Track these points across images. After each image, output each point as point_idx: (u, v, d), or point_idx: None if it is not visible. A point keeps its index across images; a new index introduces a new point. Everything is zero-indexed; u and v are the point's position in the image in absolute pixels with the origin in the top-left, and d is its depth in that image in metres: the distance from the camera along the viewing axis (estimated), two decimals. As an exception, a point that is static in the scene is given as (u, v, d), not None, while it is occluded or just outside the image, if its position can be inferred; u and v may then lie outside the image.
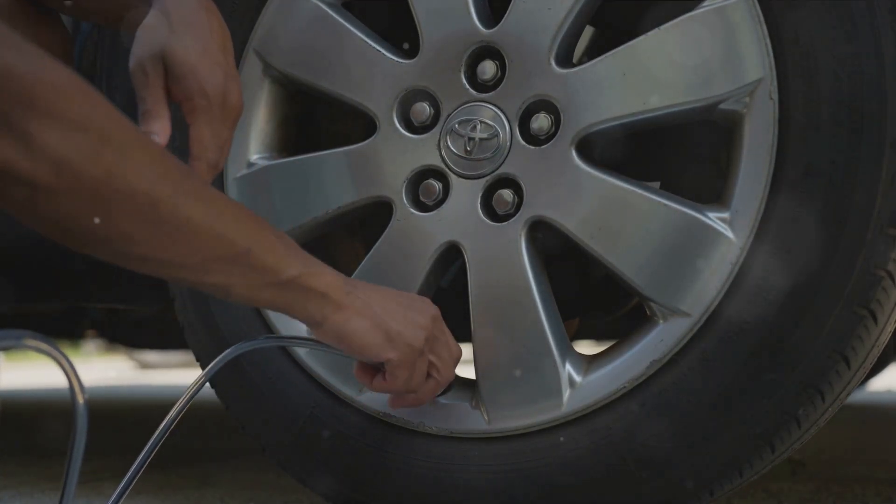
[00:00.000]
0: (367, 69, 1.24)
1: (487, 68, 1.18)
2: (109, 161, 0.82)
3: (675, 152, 1.32)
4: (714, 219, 1.09)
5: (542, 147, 1.16)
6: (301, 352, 1.28)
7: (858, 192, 1.03)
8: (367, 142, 1.25)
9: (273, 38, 1.29)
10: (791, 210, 1.05)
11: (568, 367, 1.16)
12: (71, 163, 0.80)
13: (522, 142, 1.17)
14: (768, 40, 1.07)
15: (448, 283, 1.31)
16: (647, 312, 1.14)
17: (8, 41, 0.77)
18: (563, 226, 1.14)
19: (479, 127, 1.18)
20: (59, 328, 2.98)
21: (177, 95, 1.07)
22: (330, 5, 1.27)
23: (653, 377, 1.12)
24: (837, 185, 1.04)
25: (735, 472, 1.11)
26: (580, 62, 1.17)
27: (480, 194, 1.19)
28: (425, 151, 1.21)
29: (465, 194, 1.20)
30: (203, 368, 1.28)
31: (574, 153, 1.15)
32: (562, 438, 1.15)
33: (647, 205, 1.12)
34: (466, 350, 1.22)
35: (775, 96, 1.07)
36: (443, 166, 1.21)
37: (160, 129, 1.05)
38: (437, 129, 1.21)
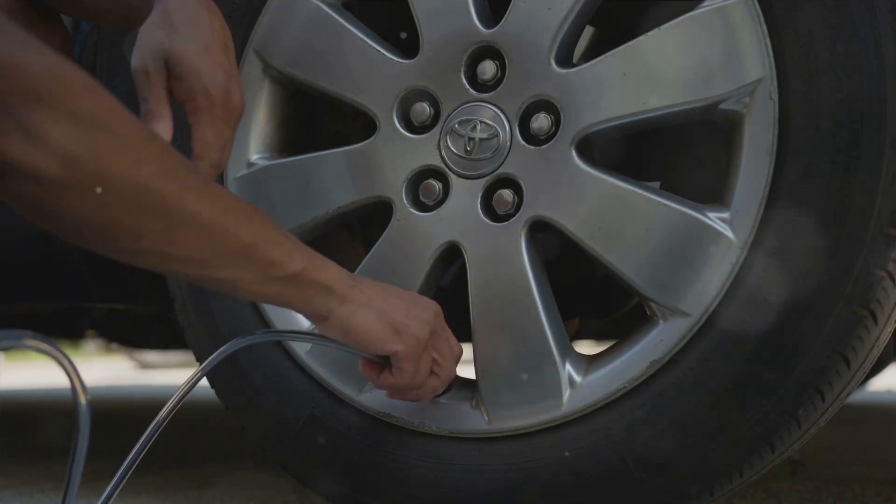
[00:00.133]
0: (367, 69, 1.24)
1: (487, 68, 1.18)
2: (117, 156, 0.83)
3: (675, 152, 1.32)
4: (714, 219, 1.09)
5: (542, 147, 1.16)
6: (301, 352, 1.28)
7: (858, 192, 1.03)
8: (367, 142, 1.25)
9: (273, 38, 1.29)
10: (791, 210, 1.05)
11: (568, 367, 1.16)
12: (79, 158, 0.80)
13: (522, 142, 1.17)
14: (768, 40, 1.07)
15: (448, 283, 1.31)
16: (647, 312, 1.14)
17: (15, 37, 0.77)
18: (564, 226, 1.15)
19: (479, 127, 1.18)
20: (59, 328, 2.98)
21: (179, 95, 1.07)
22: (330, 5, 1.27)
23: (653, 377, 1.12)
24: (837, 185, 1.04)
25: (735, 472, 1.11)
26: (580, 62, 1.17)
27: (480, 194, 1.19)
28: (425, 151, 1.22)
29: (465, 194, 1.20)
30: (203, 368, 1.28)
31: (574, 153, 1.15)
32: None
33: (647, 205, 1.12)
34: (466, 350, 1.22)
35: (775, 96, 1.07)
36: (443, 166, 1.21)
37: (163, 129, 1.05)
38: (437, 129, 1.21)
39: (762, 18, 1.07)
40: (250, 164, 1.32)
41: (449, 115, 1.20)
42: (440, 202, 1.21)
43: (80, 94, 0.80)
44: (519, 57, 1.17)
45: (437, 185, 1.21)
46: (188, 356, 5.24)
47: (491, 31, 1.18)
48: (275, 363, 1.29)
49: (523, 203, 1.17)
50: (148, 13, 1.09)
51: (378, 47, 1.24)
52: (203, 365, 1.07)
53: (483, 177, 1.19)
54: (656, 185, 1.28)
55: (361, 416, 1.25)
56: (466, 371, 1.24)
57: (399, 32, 1.32)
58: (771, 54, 1.07)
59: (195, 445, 2.38)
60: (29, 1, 1.16)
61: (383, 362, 1.12)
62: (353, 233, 1.45)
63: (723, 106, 1.09)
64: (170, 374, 6.15)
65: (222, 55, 1.08)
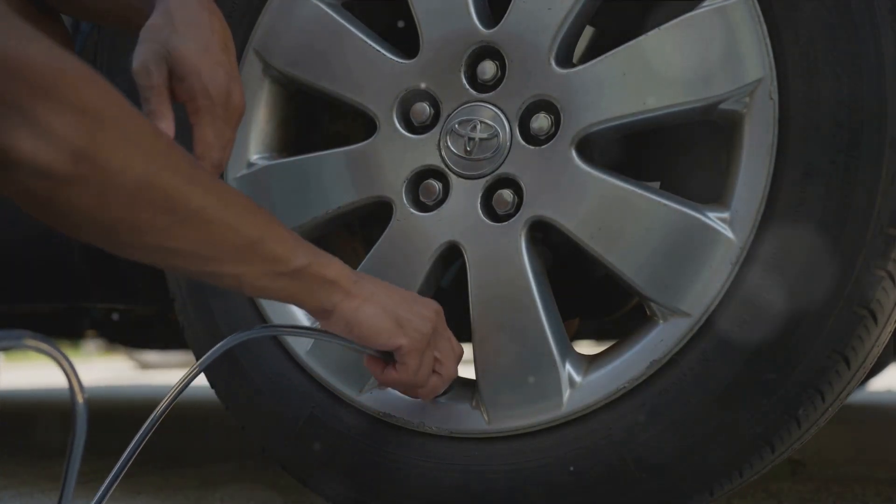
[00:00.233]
0: (367, 69, 1.24)
1: (487, 68, 1.18)
2: (125, 151, 0.83)
3: (675, 152, 1.32)
4: (714, 219, 1.09)
5: (542, 147, 1.16)
6: (301, 352, 1.28)
7: (858, 192, 1.03)
8: (367, 142, 1.25)
9: (273, 38, 1.29)
10: (791, 210, 1.05)
11: (568, 367, 1.16)
12: (87, 152, 0.80)
13: (522, 142, 1.17)
14: (768, 40, 1.07)
15: (448, 283, 1.31)
16: (647, 312, 1.14)
17: (24, 32, 0.78)
18: (564, 226, 1.15)
19: (479, 127, 1.18)
20: (59, 328, 2.98)
21: (180, 96, 1.08)
22: (330, 5, 1.27)
23: (653, 377, 1.12)
24: (837, 185, 1.04)
25: (735, 472, 1.11)
26: (580, 62, 1.17)
27: (480, 194, 1.19)
28: (425, 151, 1.22)
29: (465, 194, 1.20)
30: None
31: (574, 153, 1.15)
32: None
33: (647, 205, 1.12)
34: (466, 350, 1.22)
35: (775, 96, 1.07)
36: (443, 166, 1.21)
37: (165, 129, 1.06)
38: (437, 130, 1.21)
39: (762, 18, 1.07)
40: (250, 164, 1.32)
41: (449, 116, 1.20)
42: (440, 202, 1.21)
43: (86, 88, 0.81)
44: (519, 57, 1.17)
45: (437, 185, 1.21)
46: (188, 356, 5.24)
47: (491, 31, 1.18)
48: (275, 363, 1.29)
49: (523, 203, 1.17)
50: (149, 13, 1.09)
51: (378, 47, 1.24)
52: (204, 358, 1.06)
53: (483, 177, 1.19)
54: (656, 185, 1.28)
55: (361, 416, 1.25)
56: (466, 371, 1.24)
57: (399, 32, 1.32)
58: (771, 54, 1.07)
59: (195, 445, 2.38)
60: (29, 1, 1.16)
61: (386, 358, 1.12)
62: (353, 233, 1.45)
63: (723, 106, 1.09)
64: (170, 374, 6.15)
65: (223, 55, 1.09)
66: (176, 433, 2.54)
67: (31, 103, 0.77)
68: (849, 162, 1.03)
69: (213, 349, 1.06)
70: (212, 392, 1.37)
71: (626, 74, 1.12)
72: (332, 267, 1.05)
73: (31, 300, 1.75)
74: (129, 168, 0.83)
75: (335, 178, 1.26)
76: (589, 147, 1.16)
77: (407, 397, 1.22)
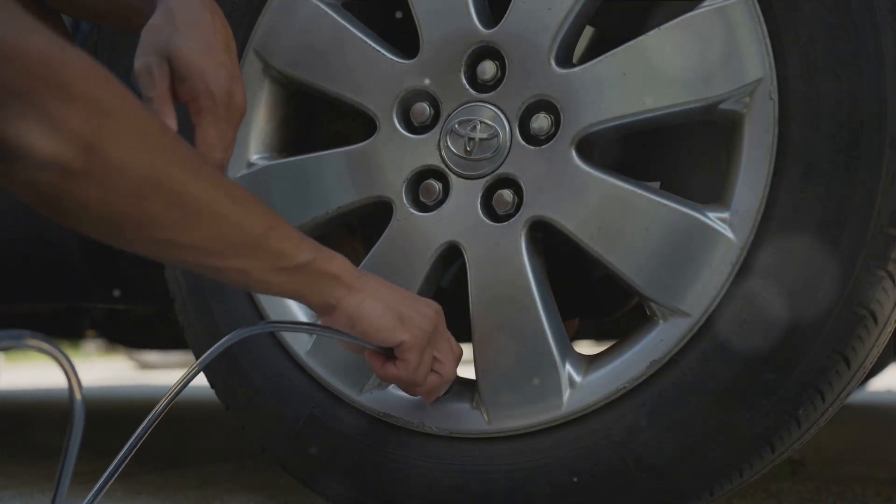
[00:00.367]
0: (366, 69, 1.24)
1: (487, 68, 1.19)
2: (134, 144, 0.83)
3: (675, 152, 1.32)
4: (714, 219, 1.09)
5: (542, 147, 1.16)
6: (301, 352, 1.28)
7: (858, 192, 1.03)
8: (367, 142, 1.25)
9: (273, 38, 1.29)
10: (791, 210, 1.05)
11: (568, 367, 1.16)
12: (99, 146, 0.80)
13: (522, 142, 1.17)
14: (768, 40, 1.07)
15: (448, 284, 1.31)
16: (647, 312, 1.14)
17: (36, 28, 0.78)
18: (564, 226, 1.15)
19: (478, 127, 1.18)
20: (59, 328, 2.99)
21: (182, 96, 1.08)
22: (330, 5, 1.27)
23: (653, 377, 1.12)
24: (837, 185, 1.04)
25: (735, 472, 1.11)
26: (580, 62, 1.17)
27: (480, 194, 1.19)
28: (425, 151, 1.22)
29: (465, 194, 1.20)
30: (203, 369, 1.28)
31: (574, 153, 1.15)
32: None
33: (648, 205, 1.12)
34: (466, 350, 1.22)
35: (775, 96, 1.07)
36: (443, 166, 1.21)
37: None
38: (437, 130, 1.21)
39: (762, 18, 1.07)
40: (250, 164, 1.32)
41: (449, 116, 1.20)
42: (440, 202, 1.21)
43: (93, 80, 0.81)
44: (519, 57, 1.17)
45: (437, 186, 1.21)
46: (188, 356, 5.24)
47: (491, 31, 1.18)
48: (275, 363, 1.29)
49: (523, 203, 1.17)
50: (149, 13, 1.09)
51: (378, 47, 1.24)
52: (208, 353, 1.06)
53: (483, 177, 1.19)
54: (656, 185, 1.28)
55: (361, 416, 1.25)
56: (466, 371, 1.24)
57: (398, 32, 1.32)
58: (771, 54, 1.07)
59: (195, 445, 2.38)
60: (30, 0, 1.16)
61: (387, 354, 1.13)
62: (353, 233, 1.45)
63: (723, 106, 1.09)
64: (170, 374, 6.15)
65: (225, 55, 1.09)
66: (176, 433, 2.54)
67: (39, 95, 0.77)
68: (849, 162, 1.03)
69: (217, 344, 1.05)
70: (212, 392, 1.37)
71: (626, 74, 1.12)
72: (336, 262, 1.06)
73: (31, 300, 1.75)
74: (137, 162, 0.84)
75: (335, 179, 1.26)
76: (589, 147, 1.16)
77: (406, 397, 1.22)
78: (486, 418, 1.19)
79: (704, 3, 1.10)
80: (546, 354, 1.16)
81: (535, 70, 1.16)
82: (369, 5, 1.35)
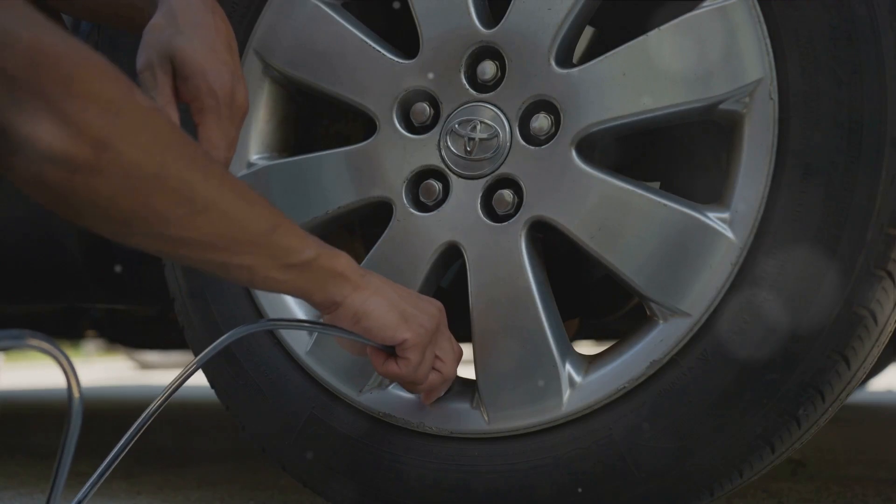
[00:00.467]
0: (366, 69, 1.24)
1: (487, 68, 1.19)
2: (144, 141, 0.84)
3: (675, 152, 1.32)
4: (714, 219, 1.09)
5: (542, 147, 1.16)
6: (301, 352, 1.28)
7: (858, 192, 1.03)
8: (367, 142, 1.25)
9: (273, 38, 1.29)
10: (791, 210, 1.05)
11: (568, 367, 1.16)
12: (110, 142, 0.81)
13: (522, 142, 1.17)
14: (768, 40, 1.07)
15: (448, 284, 1.31)
16: (647, 312, 1.14)
17: (47, 26, 0.78)
18: (564, 226, 1.15)
19: (479, 127, 1.18)
20: (59, 328, 2.99)
21: (185, 95, 1.08)
22: (330, 5, 1.27)
23: (653, 377, 1.12)
24: (837, 185, 1.04)
25: (735, 472, 1.11)
26: (580, 62, 1.17)
27: (480, 194, 1.19)
28: (425, 152, 1.22)
29: (465, 194, 1.20)
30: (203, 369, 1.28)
31: (574, 153, 1.15)
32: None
33: (647, 205, 1.12)
34: (466, 350, 1.22)
35: (775, 96, 1.07)
36: (443, 166, 1.21)
37: None
38: (437, 130, 1.21)
39: (762, 18, 1.07)
40: (250, 165, 1.32)
41: (449, 116, 1.20)
42: (440, 202, 1.21)
43: (109, 80, 0.81)
44: (519, 57, 1.17)
45: (437, 186, 1.21)
46: (188, 356, 5.24)
47: (491, 31, 1.18)
48: (275, 363, 1.29)
49: (523, 203, 1.17)
50: (150, 13, 1.10)
51: (378, 47, 1.24)
52: (210, 348, 1.06)
53: (483, 177, 1.19)
54: (656, 185, 1.28)
55: (361, 416, 1.25)
56: (466, 371, 1.24)
57: (398, 32, 1.32)
58: (771, 54, 1.07)
59: (195, 445, 2.38)
60: (29, 0, 1.16)
61: (388, 351, 1.13)
62: (353, 233, 1.45)
63: (723, 106, 1.09)
64: (170, 374, 6.15)
65: (227, 55, 1.09)
66: (176, 433, 2.54)
67: (52, 91, 0.78)
68: (849, 162, 1.03)
69: (219, 340, 1.05)
70: (212, 392, 1.37)
71: (626, 74, 1.12)
72: (341, 260, 1.07)
73: (31, 300, 1.75)
74: (147, 159, 0.84)
75: (335, 179, 1.26)
76: (589, 147, 1.16)
77: (407, 397, 1.22)
78: (486, 418, 1.19)
79: (704, 4, 1.10)
80: (546, 354, 1.16)
81: (535, 70, 1.16)
82: (369, 5, 1.35)
